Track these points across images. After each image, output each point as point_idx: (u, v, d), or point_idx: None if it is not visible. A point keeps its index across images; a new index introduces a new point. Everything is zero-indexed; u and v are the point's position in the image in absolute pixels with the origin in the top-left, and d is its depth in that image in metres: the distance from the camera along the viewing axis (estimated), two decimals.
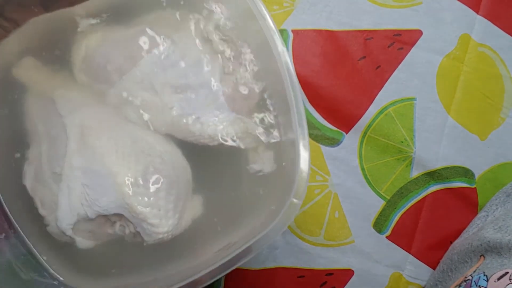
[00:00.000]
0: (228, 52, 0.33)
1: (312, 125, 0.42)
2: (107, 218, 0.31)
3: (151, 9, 0.34)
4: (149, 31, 0.33)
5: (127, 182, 0.30)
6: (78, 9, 0.33)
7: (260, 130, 0.32)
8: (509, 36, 0.44)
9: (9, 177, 0.33)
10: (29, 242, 0.33)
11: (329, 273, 0.42)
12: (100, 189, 0.30)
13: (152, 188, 0.31)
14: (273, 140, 0.33)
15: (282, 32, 0.43)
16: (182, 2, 0.34)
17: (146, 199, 0.31)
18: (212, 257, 0.32)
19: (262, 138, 0.32)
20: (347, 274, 0.42)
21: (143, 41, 0.33)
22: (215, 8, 0.33)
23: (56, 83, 0.33)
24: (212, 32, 0.33)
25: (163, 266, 0.33)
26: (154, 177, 0.31)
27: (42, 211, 0.32)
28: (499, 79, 0.43)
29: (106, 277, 0.33)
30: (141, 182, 0.31)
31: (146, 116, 0.32)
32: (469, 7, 0.43)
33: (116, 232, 0.32)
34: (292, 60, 0.42)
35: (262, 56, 0.33)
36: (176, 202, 0.32)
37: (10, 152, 0.33)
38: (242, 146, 0.33)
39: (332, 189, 0.42)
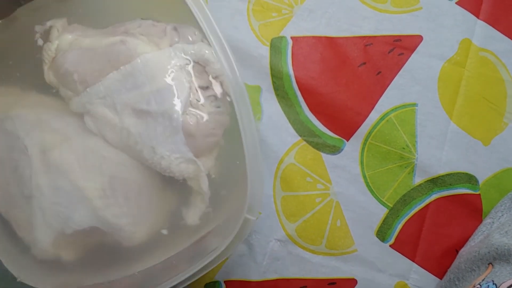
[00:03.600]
0: (198, 83, 0.32)
1: (312, 133, 0.42)
2: (84, 230, 0.31)
3: (132, 17, 0.33)
4: (121, 45, 0.32)
5: (96, 195, 0.30)
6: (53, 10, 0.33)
7: (205, 184, 0.31)
8: (510, 40, 0.43)
9: None
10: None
11: (332, 282, 0.42)
12: (71, 206, 0.30)
13: (121, 197, 0.31)
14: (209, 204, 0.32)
15: (281, 39, 0.42)
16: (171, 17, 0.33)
17: (118, 209, 0.31)
18: (187, 249, 0.32)
19: (205, 192, 0.32)
20: (350, 283, 0.42)
21: (113, 55, 0.32)
22: (196, 36, 0.32)
23: (8, 101, 0.33)
24: (188, 59, 0.32)
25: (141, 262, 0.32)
26: (121, 186, 0.31)
27: (19, 233, 0.31)
28: (501, 84, 0.43)
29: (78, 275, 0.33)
30: (109, 193, 0.31)
31: (104, 132, 0.32)
32: (470, 12, 0.43)
33: (95, 241, 0.31)
34: (292, 67, 0.42)
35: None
36: (149, 206, 0.32)
37: None
38: (190, 184, 0.32)
39: (333, 197, 0.42)
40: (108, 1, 0.35)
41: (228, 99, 0.31)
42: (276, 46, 0.42)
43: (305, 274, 0.41)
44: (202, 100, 0.32)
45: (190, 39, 0.32)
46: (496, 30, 0.43)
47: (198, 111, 0.31)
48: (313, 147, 0.42)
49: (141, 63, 0.31)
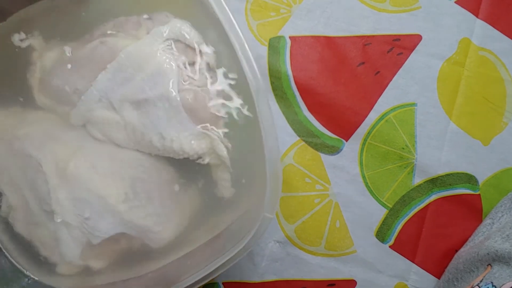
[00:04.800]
0: (183, 59, 0.31)
1: (311, 133, 0.42)
2: (111, 238, 0.31)
3: (105, 19, 0.33)
4: (102, 47, 0.32)
5: (119, 200, 0.30)
6: (16, 27, 0.32)
7: (223, 149, 0.31)
8: (509, 39, 0.43)
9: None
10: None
11: (331, 283, 0.41)
12: (95, 215, 0.30)
13: (144, 198, 0.31)
14: (231, 168, 0.32)
15: (280, 38, 0.42)
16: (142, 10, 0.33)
17: (143, 210, 0.30)
18: (203, 246, 0.32)
19: (224, 156, 0.31)
20: (350, 284, 0.41)
21: (97, 58, 0.32)
22: (168, 17, 0.32)
23: (10, 124, 0.33)
24: (167, 39, 0.31)
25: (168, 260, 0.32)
26: (142, 187, 0.31)
27: (44, 253, 0.31)
28: (500, 83, 0.43)
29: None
30: (132, 196, 0.30)
31: (110, 135, 0.32)
32: (469, 11, 0.43)
33: (124, 248, 0.31)
34: (290, 67, 0.42)
35: (224, 60, 0.32)
36: (171, 205, 0.31)
37: None
38: (207, 161, 0.32)
39: (332, 198, 0.41)
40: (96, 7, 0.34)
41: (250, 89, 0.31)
42: (274, 46, 0.42)
43: (304, 275, 0.41)
44: (192, 75, 0.31)
45: (164, 21, 0.32)
46: (495, 29, 0.43)
47: (192, 86, 0.31)
48: (312, 147, 0.42)
49: (125, 56, 0.31)
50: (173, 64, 0.31)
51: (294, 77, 0.41)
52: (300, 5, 0.43)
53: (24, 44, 0.33)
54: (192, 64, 0.31)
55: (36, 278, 0.32)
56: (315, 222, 0.41)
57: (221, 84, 0.32)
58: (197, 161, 0.32)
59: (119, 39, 0.32)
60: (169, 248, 0.32)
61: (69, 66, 0.32)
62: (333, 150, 0.42)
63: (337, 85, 0.42)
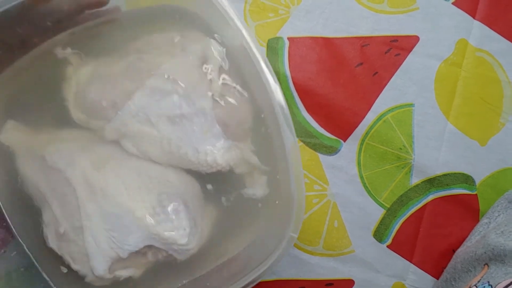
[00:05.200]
0: (218, 77, 0.33)
1: (309, 134, 0.42)
2: (138, 251, 0.32)
3: (136, 36, 0.34)
4: (139, 63, 0.33)
5: (146, 214, 0.31)
6: (58, 48, 0.33)
7: (254, 157, 0.33)
8: (506, 40, 0.43)
9: (36, 241, 0.33)
10: None
11: (329, 283, 0.42)
12: (124, 229, 0.31)
13: (171, 212, 0.32)
14: (266, 168, 0.33)
15: (278, 39, 0.42)
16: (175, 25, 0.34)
17: (169, 223, 0.31)
18: (225, 266, 0.33)
19: (257, 163, 0.33)
20: (348, 284, 0.42)
21: (134, 74, 0.33)
22: (199, 36, 0.34)
23: (43, 139, 0.33)
24: (203, 57, 0.33)
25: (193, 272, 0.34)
26: (169, 201, 0.32)
27: (74, 266, 0.32)
28: (497, 84, 0.43)
29: None
30: (159, 210, 0.31)
31: (144, 149, 0.33)
32: (466, 12, 0.43)
33: (150, 260, 0.32)
34: (288, 68, 0.42)
35: (252, 83, 0.33)
36: (196, 218, 0.33)
37: (26, 219, 0.33)
38: (237, 172, 0.33)
39: (331, 198, 0.42)
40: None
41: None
42: (272, 46, 0.42)
43: (303, 275, 0.41)
44: (224, 91, 0.33)
45: (195, 39, 0.33)
46: (492, 30, 0.43)
47: (225, 103, 0.33)
48: (310, 148, 0.42)
49: (162, 73, 0.32)
50: (207, 81, 0.33)
51: (292, 78, 0.42)
52: (299, 6, 0.43)
53: (61, 56, 0.33)
54: (224, 84, 0.33)
55: None
56: (313, 222, 0.41)
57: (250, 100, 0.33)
58: (227, 173, 0.33)
59: (155, 56, 0.33)
60: (195, 261, 0.33)
61: (104, 81, 0.33)
62: (331, 150, 0.42)
63: (336, 86, 0.42)
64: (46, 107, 0.34)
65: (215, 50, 0.33)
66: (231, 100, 0.33)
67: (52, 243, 0.32)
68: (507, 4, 0.44)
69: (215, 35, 0.33)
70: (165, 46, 0.33)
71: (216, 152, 0.32)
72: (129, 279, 0.33)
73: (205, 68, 0.33)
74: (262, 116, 0.33)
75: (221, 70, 0.33)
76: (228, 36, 0.33)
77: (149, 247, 0.32)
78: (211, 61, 0.33)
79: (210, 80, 0.33)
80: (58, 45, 0.33)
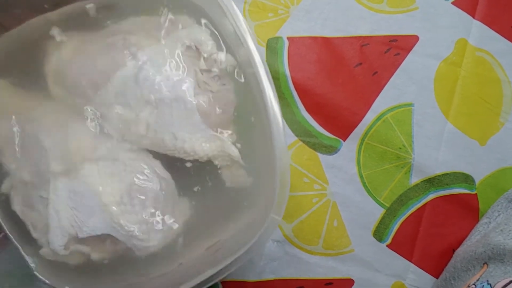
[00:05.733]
0: (203, 65, 0.32)
1: (309, 133, 0.42)
2: (97, 237, 0.31)
3: (127, 16, 0.33)
4: (122, 43, 0.32)
5: (113, 201, 0.30)
6: (51, 14, 0.32)
7: (235, 150, 0.32)
8: (506, 40, 0.43)
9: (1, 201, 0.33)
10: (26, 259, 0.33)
11: (329, 282, 0.42)
12: (87, 211, 0.30)
13: (138, 205, 0.31)
14: (245, 164, 0.32)
15: (278, 39, 0.42)
16: (164, 9, 0.33)
17: (133, 216, 0.31)
18: (202, 255, 0.32)
19: (237, 156, 0.32)
20: (347, 283, 0.42)
21: (117, 54, 0.32)
22: (188, 21, 0.33)
23: (31, 104, 0.33)
24: (190, 43, 0.32)
25: (155, 270, 0.33)
26: (138, 194, 0.31)
27: (34, 235, 0.32)
28: (497, 83, 0.43)
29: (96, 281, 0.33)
30: (126, 199, 0.31)
31: (122, 131, 0.32)
32: (465, 12, 0.43)
33: (108, 249, 0.32)
34: (288, 68, 0.42)
35: (241, 71, 0.32)
36: (163, 213, 0.32)
37: None
38: (216, 163, 0.32)
39: (330, 197, 0.42)
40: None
41: (238, 78, 0.32)
42: (272, 46, 0.42)
43: (302, 274, 0.41)
44: (207, 80, 0.32)
45: (183, 25, 0.33)
46: (492, 30, 0.43)
47: (207, 92, 0.32)
48: (310, 147, 0.42)
49: (146, 56, 0.32)
50: (191, 69, 0.32)
51: (292, 77, 0.42)
52: (298, 6, 0.43)
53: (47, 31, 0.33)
54: (207, 70, 0.32)
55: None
56: (313, 221, 0.41)
57: (233, 90, 0.33)
58: (206, 165, 0.32)
59: (141, 38, 0.32)
60: (156, 258, 0.32)
61: (87, 59, 0.32)
62: (331, 150, 0.42)
63: (335, 86, 0.42)
64: (31, 78, 0.33)
65: (203, 37, 0.32)
66: (214, 88, 0.32)
67: (17, 206, 0.32)
68: (507, 4, 0.44)
69: (205, 21, 0.33)
70: (152, 29, 0.33)
71: (195, 140, 0.31)
72: (88, 264, 0.32)
73: (191, 54, 0.32)
74: (247, 96, 0.32)
75: (207, 57, 0.32)
76: (219, 23, 0.32)
77: (108, 235, 0.31)
78: (198, 48, 0.32)
79: (195, 68, 0.32)
80: (46, 20, 0.32)
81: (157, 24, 0.33)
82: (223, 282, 0.41)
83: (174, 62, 0.32)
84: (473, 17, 0.43)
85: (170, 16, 0.33)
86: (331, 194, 0.42)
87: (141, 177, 0.31)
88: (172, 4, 0.33)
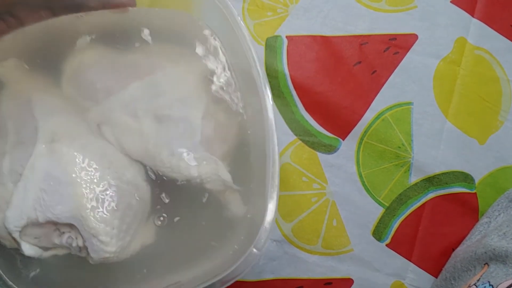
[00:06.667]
0: (215, 95, 0.33)
1: (308, 132, 0.42)
2: (56, 227, 0.31)
3: (155, 41, 0.35)
4: (144, 60, 0.33)
5: (86, 195, 0.30)
6: (81, 25, 0.34)
7: (228, 176, 0.33)
8: (505, 38, 0.43)
9: None
10: None
11: (328, 282, 0.41)
12: (57, 196, 0.30)
13: (110, 206, 0.31)
14: (239, 187, 0.33)
15: (277, 38, 0.42)
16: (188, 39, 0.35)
17: (101, 215, 0.31)
18: None
19: (230, 183, 0.33)
20: (347, 283, 0.42)
21: (137, 67, 0.33)
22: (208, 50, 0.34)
23: (37, 86, 0.33)
24: (208, 70, 0.34)
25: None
26: (114, 196, 0.31)
27: None
28: (496, 82, 0.43)
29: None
30: (100, 197, 0.31)
31: (122, 139, 0.33)
32: (464, 10, 0.43)
33: (63, 243, 0.31)
34: (287, 67, 0.42)
35: (249, 107, 0.33)
36: (130, 225, 0.32)
37: None
38: (208, 187, 0.33)
39: (329, 196, 0.42)
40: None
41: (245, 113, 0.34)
42: (271, 45, 0.42)
43: (301, 274, 0.41)
44: (216, 111, 0.33)
45: (203, 55, 0.34)
46: (490, 29, 0.43)
47: (213, 119, 0.33)
48: (309, 146, 0.42)
49: (163, 74, 0.33)
50: (203, 96, 0.33)
51: (291, 76, 0.42)
52: (297, 5, 0.43)
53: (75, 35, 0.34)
54: (218, 101, 0.34)
55: None
56: (312, 220, 0.41)
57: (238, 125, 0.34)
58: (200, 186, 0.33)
59: (162, 59, 0.34)
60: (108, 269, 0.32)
61: (106, 65, 0.33)
62: (330, 149, 0.42)
63: (334, 84, 0.42)
64: (47, 71, 0.34)
65: (220, 66, 0.34)
66: (222, 116, 0.33)
67: None
68: (506, 2, 0.44)
69: (223, 49, 0.34)
70: (173, 55, 0.34)
71: (192, 160, 0.32)
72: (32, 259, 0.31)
73: (206, 80, 0.33)
74: (249, 132, 0.33)
75: (221, 86, 0.34)
76: (236, 54, 0.33)
77: (70, 228, 0.31)
78: (215, 76, 0.34)
79: (207, 96, 0.33)
80: (78, 25, 0.34)
81: (179, 52, 0.34)
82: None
83: (189, 86, 0.33)
84: (472, 15, 0.43)
85: (192, 44, 0.34)
86: (330, 194, 0.42)
87: (122, 182, 0.32)
88: (196, 35, 0.34)
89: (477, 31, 0.43)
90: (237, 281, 0.41)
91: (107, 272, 0.32)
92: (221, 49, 0.34)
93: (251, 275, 0.41)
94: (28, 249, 0.31)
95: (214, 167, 0.32)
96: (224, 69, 0.34)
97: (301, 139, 0.42)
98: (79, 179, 0.31)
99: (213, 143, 0.33)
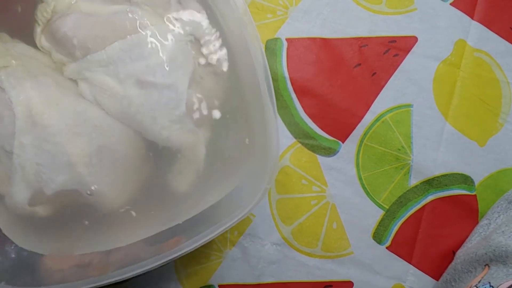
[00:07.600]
0: (203, 60, 0.32)
1: (307, 135, 0.42)
2: (64, 191, 0.31)
3: None
4: (130, 15, 0.31)
5: (81, 161, 0.30)
6: None
7: (203, 153, 0.32)
8: (505, 40, 0.43)
9: None
10: None
11: (328, 285, 0.41)
12: (54, 168, 0.30)
13: (107, 167, 0.30)
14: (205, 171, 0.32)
15: (276, 40, 0.42)
16: None
17: (101, 177, 0.30)
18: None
19: (201, 159, 0.32)
20: (347, 286, 0.41)
21: (119, 24, 0.31)
22: (198, 8, 0.32)
23: (15, 53, 0.31)
24: (195, 32, 0.32)
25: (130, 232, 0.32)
26: (108, 156, 0.31)
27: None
28: (496, 84, 0.43)
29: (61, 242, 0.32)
30: (95, 161, 0.30)
31: (102, 100, 0.31)
32: (464, 13, 0.43)
33: (72, 200, 0.31)
34: (287, 69, 0.42)
35: (239, 73, 0.32)
36: (130, 176, 0.31)
37: None
38: (179, 156, 0.32)
39: (329, 199, 0.41)
40: None
41: (224, 69, 0.32)
42: (271, 47, 0.42)
43: (301, 277, 0.41)
44: (203, 75, 0.32)
45: (193, 12, 0.32)
46: (490, 31, 0.43)
47: (200, 86, 0.31)
48: (309, 149, 0.42)
49: (149, 35, 0.31)
50: (191, 61, 0.31)
51: (290, 79, 0.42)
52: (297, 7, 0.43)
53: None
54: (206, 64, 0.32)
55: None
56: (311, 223, 0.41)
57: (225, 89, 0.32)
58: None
59: (146, 14, 0.31)
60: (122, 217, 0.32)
61: (84, 19, 0.31)
62: (330, 151, 0.42)
63: (334, 87, 0.42)
64: (15, 17, 0.32)
65: (209, 29, 0.32)
66: (208, 85, 0.32)
67: None
68: (505, 5, 0.44)
69: (214, 10, 0.32)
70: (159, 7, 0.32)
71: (173, 130, 0.31)
72: (47, 218, 0.31)
73: (193, 45, 0.31)
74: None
75: (209, 51, 0.32)
76: (227, 16, 0.32)
77: (75, 190, 0.30)
78: (202, 40, 0.32)
79: (194, 59, 0.31)
80: None
81: (166, 3, 0.32)
82: (220, 286, 0.41)
83: (176, 49, 0.31)
84: (472, 18, 0.43)
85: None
86: (330, 196, 0.42)
87: (112, 140, 0.31)
88: None
89: (476, 34, 0.43)
90: (236, 285, 0.41)
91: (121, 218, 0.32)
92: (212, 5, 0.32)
93: (250, 278, 0.41)
94: (39, 212, 0.31)
95: (195, 139, 0.32)
96: (215, 31, 0.32)
97: (300, 142, 0.42)
98: (70, 148, 0.30)
99: (197, 113, 0.31)
